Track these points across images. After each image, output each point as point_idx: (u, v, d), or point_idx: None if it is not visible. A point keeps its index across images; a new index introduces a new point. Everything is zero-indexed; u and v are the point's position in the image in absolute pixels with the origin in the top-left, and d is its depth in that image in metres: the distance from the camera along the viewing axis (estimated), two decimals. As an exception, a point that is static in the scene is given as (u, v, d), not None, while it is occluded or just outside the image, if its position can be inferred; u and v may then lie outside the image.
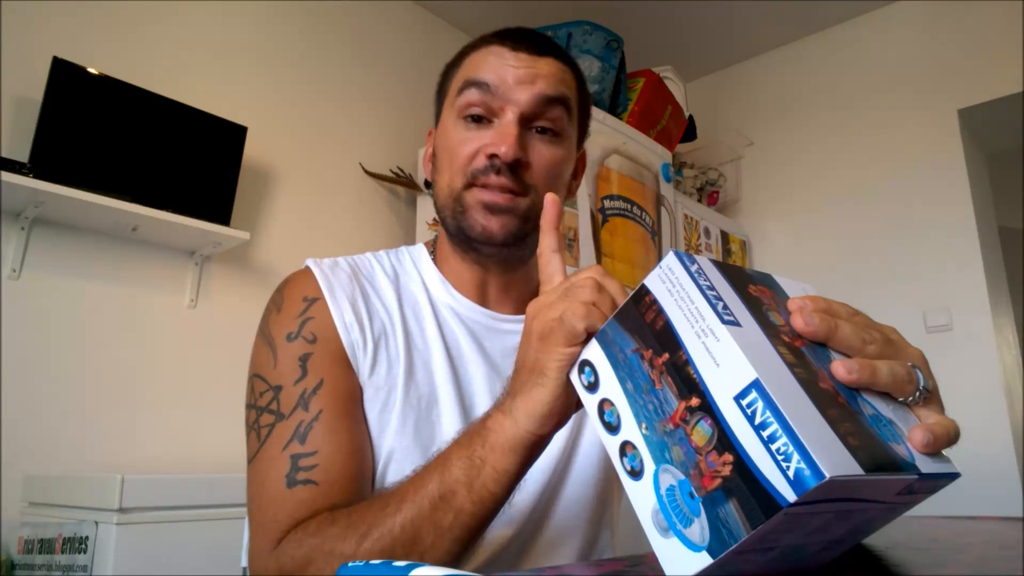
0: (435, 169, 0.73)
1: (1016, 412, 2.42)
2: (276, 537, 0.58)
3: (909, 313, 2.55)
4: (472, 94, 0.68)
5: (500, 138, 0.66)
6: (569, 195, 0.77)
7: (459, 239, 0.71)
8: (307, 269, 0.71)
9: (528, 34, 0.71)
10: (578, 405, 0.47)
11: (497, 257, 0.71)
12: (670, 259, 0.39)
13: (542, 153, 0.68)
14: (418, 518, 0.51)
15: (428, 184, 2.42)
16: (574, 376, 0.44)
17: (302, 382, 0.63)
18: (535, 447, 0.50)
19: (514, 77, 0.67)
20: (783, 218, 3.05)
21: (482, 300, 0.74)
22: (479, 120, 0.68)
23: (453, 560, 0.52)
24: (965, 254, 2.51)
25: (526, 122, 0.68)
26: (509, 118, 0.67)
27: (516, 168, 0.66)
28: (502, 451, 0.49)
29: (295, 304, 0.67)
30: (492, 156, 0.66)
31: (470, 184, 0.67)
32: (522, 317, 0.74)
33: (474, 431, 0.52)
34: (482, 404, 0.69)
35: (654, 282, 0.39)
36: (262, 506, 0.60)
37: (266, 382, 0.64)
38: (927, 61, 2.74)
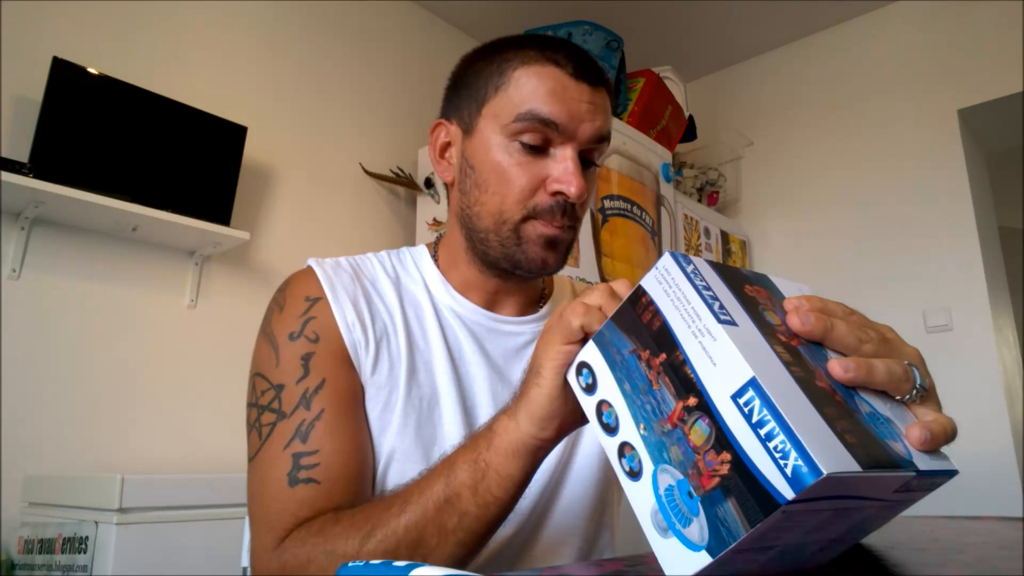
0: (475, 185, 0.69)
1: (1016, 412, 2.42)
2: (278, 536, 0.58)
3: (909, 313, 2.55)
4: (534, 126, 0.65)
5: (567, 177, 0.64)
6: None
7: (497, 261, 0.69)
8: (309, 269, 0.71)
9: (585, 60, 0.68)
10: (583, 418, 0.47)
11: (527, 278, 0.72)
12: (666, 260, 0.39)
13: (589, 185, 0.69)
14: (423, 520, 0.51)
15: (429, 184, 2.44)
16: (572, 378, 0.44)
17: (304, 381, 0.63)
18: (538, 452, 0.50)
19: (578, 113, 0.65)
20: (783, 218, 3.05)
21: (487, 304, 0.74)
22: (534, 147, 0.66)
23: (457, 564, 0.52)
24: (965, 254, 2.51)
25: (580, 154, 0.67)
26: (570, 154, 0.65)
27: (574, 204, 0.67)
28: (505, 455, 0.50)
29: (297, 303, 0.67)
30: (557, 193, 0.65)
31: (529, 218, 0.66)
32: (524, 319, 0.75)
33: (480, 435, 0.52)
34: (483, 405, 0.69)
35: (650, 283, 0.39)
36: (264, 505, 0.60)
37: (268, 381, 0.64)
38: (927, 61, 2.74)
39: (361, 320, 0.67)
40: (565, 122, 0.65)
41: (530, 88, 0.65)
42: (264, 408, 0.63)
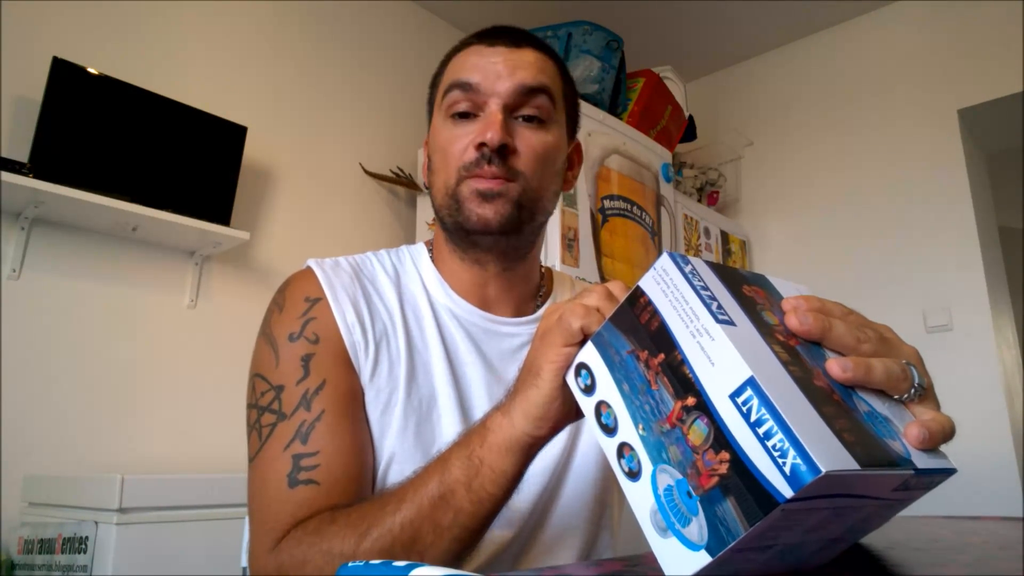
0: (431, 171, 0.73)
1: (1016, 411, 2.42)
2: (276, 537, 0.58)
3: (909, 313, 2.55)
4: (456, 94, 0.69)
5: (485, 127, 0.67)
6: (566, 186, 0.77)
7: (458, 236, 0.71)
8: (308, 269, 0.71)
9: (504, 29, 0.72)
10: (578, 413, 0.47)
11: (495, 251, 0.71)
12: (664, 260, 0.39)
13: (528, 139, 0.69)
14: (418, 518, 0.51)
15: (428, 187, 2.44)
16: (571, 379, 0.44)
17: (304, 382, 0.63)
18: (531, 448, 0.50)
19: (494, 71, 0.68)
20: (783, 218, 3.05)
21: (482, 303, 0.74)
22: (466, 116, 0.69)
23: (453, 560, 0.52)
24: (965, 254, 2.51)
25: (510, 111, 0.69)
26: (493, 109, 0.68)
27: (505, 155, 0.67)
28: (499, 451, 0.50)
29: (297, 304, 0.67)
30: (481, 146, 0.67)
31: (463, 178, 0.68)
32: (520, 320, 0.74)
33: (474, 431, 0.52)
34: (480, 407, 0.69)
35: (649, 284, 0.39)
36: (263, 506, 0.60)
37: (267, 382, 0.64)
38: (927, 61, 2.74)
39: (361, 321, 0.67)
40: (481, 80, 0.68)
41: (455, 68, 0.71)
42: (264, 409, 0.63)
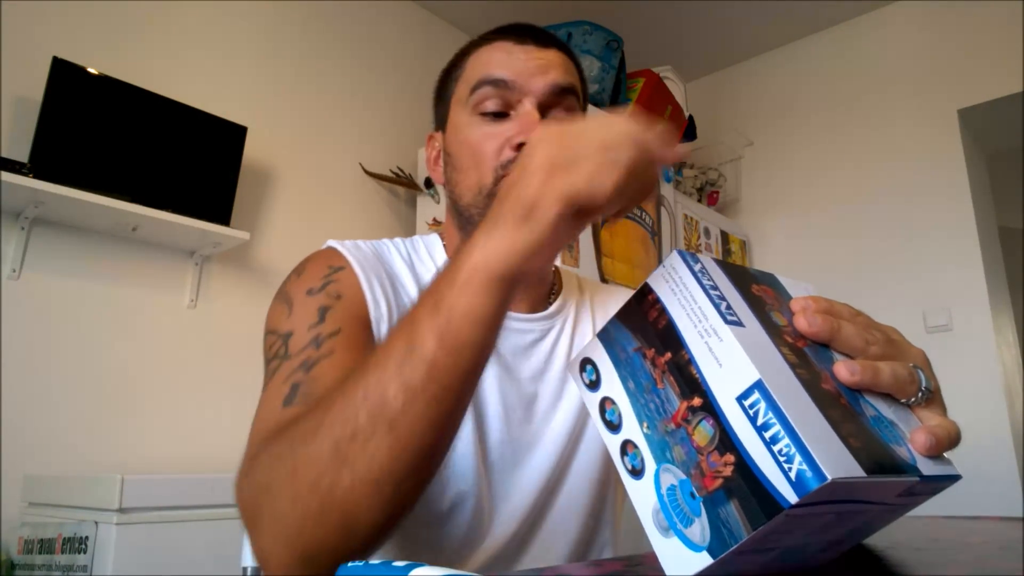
0: (453, 169, 0.71)
1: (1016, 412, 2.42)
2: (254, 454, 0.51)
3: (909, 313, 2.55)
4: (487, 91, 0.68)
5: (527, 127, 0.65)
6: None
7: None
8: (330, 247, 0.69)
9: (530, 28, 0.72)
10: (563, 242, 0.43)
11: None
12: (673, 258, 0.38)
13: None
14: (383, 378, 0.43)
15: (429, 184, 2.43)
16: (575, 374, 0.44)
17: (317, 327, 0.59)
18: (511, 284, 0.43)
19: (526, 69, 0.68)
20: (783, 218, 3.05)
21: None
22: (497, 115, 0.68)
23: (435, 429, 0.44)
24: (965, 254, 2.51)
25: (543, 111, 0.68)
26: (528, 108, 0.67)
27: None
28: (474, 289, 0.42)
29: (320, 269, 0.65)
30: (520, 146, 0.65)
31: (501, 178, 0.66)
32: (533, 316, 0.74)
33: (440, 277, 0.45)
34: (492, 403, 0.68)
35: (657, 281, 0.39)
36: (252, 431, 0.55)
37: (277, 333, 0.61)
38: (927, 61, 2.74)
39: (387, 299, 0.66)
40: (514, 77, 0.67)
41: (480, 63, 0.70)
42: (271, 358, 0.60)
